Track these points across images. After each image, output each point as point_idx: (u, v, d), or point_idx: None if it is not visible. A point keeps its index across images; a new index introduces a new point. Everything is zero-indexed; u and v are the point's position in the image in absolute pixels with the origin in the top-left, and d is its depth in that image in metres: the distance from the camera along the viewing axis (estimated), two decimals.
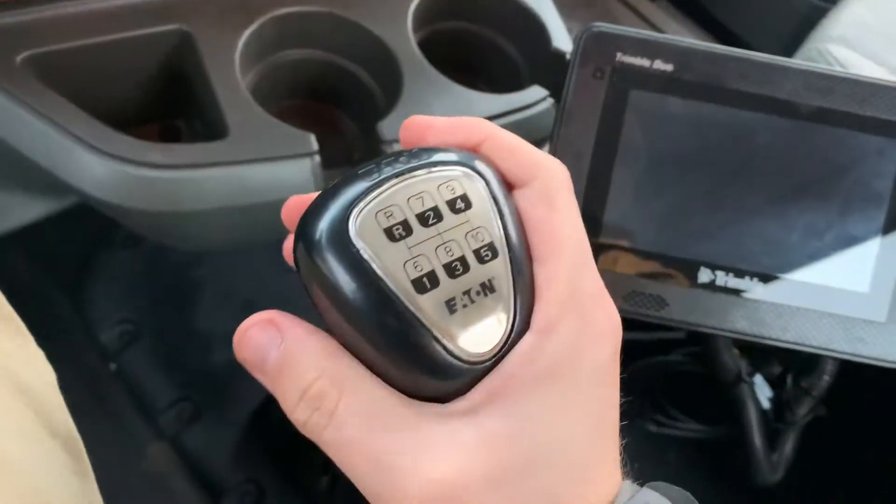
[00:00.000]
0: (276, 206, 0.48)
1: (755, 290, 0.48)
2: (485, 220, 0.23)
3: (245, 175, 0.47)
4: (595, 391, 0.25)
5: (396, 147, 0.49)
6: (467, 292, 0.23)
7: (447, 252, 0.23)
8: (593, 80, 0.46)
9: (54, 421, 0.31)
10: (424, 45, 0.58)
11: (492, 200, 0.24)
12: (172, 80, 0.52)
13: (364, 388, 0.23)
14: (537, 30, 0.58)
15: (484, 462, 0.22)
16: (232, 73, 0.49)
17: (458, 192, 0.23)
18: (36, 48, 0.46)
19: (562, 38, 0.58)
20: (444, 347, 0.23)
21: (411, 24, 0.55)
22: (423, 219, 0.23)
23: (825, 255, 0.48)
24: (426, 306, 0.22)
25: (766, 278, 0.48)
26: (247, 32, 0.51)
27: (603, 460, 0.25)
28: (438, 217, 0.23)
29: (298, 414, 0.24)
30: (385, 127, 0.50)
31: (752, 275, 0.48)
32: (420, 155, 0.24)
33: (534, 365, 0.23)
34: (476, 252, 0.23)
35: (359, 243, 0.22)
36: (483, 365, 0.23)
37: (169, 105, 0.54)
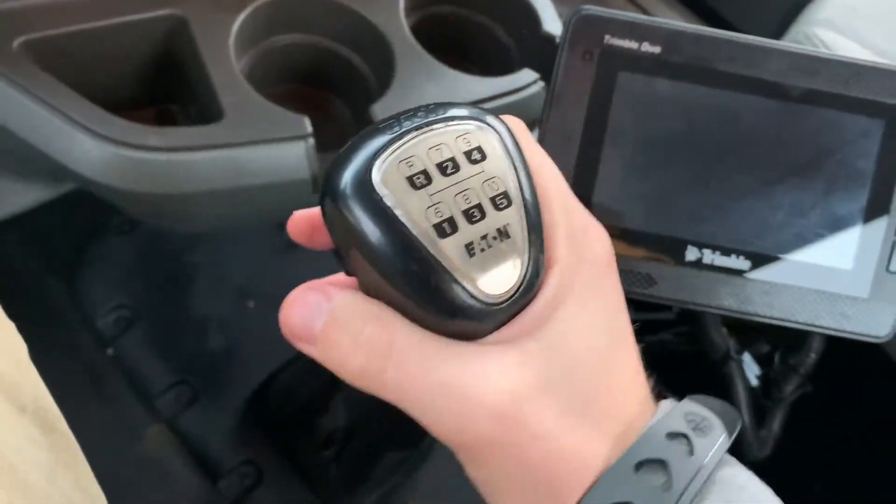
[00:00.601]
0: (271, 188, 0.49)
1: (741, 267, 0.49)
2: (499, 170, 0.25)
3: (240, 157, 0.47)
4: (604, 303, 0.28)
5: None
6: (485, 237, 0.25)
7: (465, 200, 0.24)
8: (582, 63, 0.47)
9: (22, 396, 0.31)
10: (416, 30, 0.59)
11: (505, 152, 0.26)
12: (167, 65, 0.53)
13: (411, 330, 0.26)
14: (528, 13, 0.59)
15: (532, 375, 0.25)
16: (226, 57, 0.49)
17: (474, 145, 0.25)
18: (32, 33, 0.47)
19: (552, 22, 0.58)
20: (465, 289, 0.24)
21: (403, 9, 0.56)
22: (442, 168, 0.24)
23: (810, 233, 0.49)
24: (447, 250, 0.24)
25: (752, 256, 0.49)
26: (241, 17, 0.52)
27: (627, 362, 0.29)
28: (456, 167, 0.24)
29: (354, 362, 0.26)
30: (378, 109, 0.51)
31: (739, 253, 0.49)
32: (437, 110, 0.25)
33: (551, 296, 0.26)
34: (492, 200, 0.25)
35: (382, 191, 0.24)
36: (501, 306, 0.25)
37: (164, 90, 0.55)
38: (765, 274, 0.49)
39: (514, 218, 0.25)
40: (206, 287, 0.83)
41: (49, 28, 0.47)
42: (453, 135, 0.25)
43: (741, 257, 0.49)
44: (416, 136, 0.24)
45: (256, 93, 0.49)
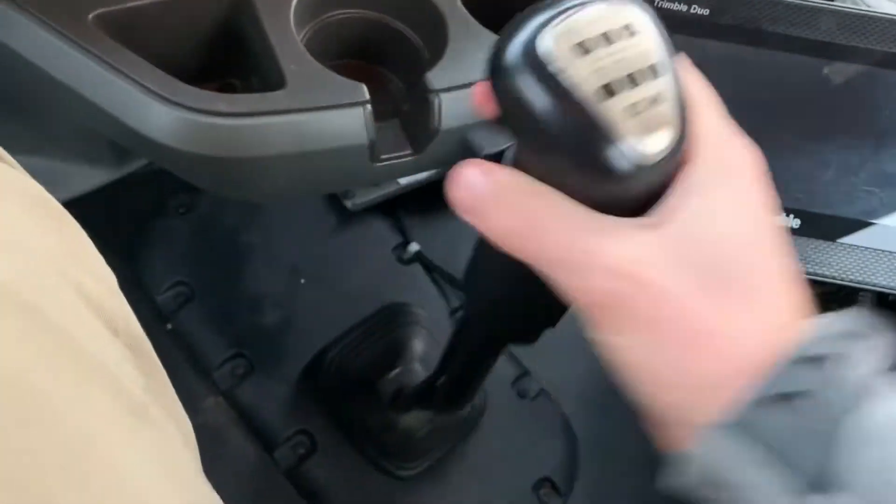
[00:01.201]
0: (330, 153, 0.51)
1: (794, 226, 0.50)
2: (654, 43, 0.29)
3: (302, 123, 0.49)
4: (750, 198, 0.30)
5: (444, 96, 0.51)
6: (641, 102, 0.28)
7: (624, 67, 0.28)
8: None
9: (115, 319, 0.33)
10: (467, 3, 0.60)
11: (657, 31, 0.29)
12: (229, 38, 0.55)
13: (563, 200, 0.29)
14: None
15: (662, 247, 0.28)
16: (287, 28, 0.51)
17: (631, 20, 0.28)
18: (106, 6, 0.49)
19: None
20: (622, 149, 0.28)
21: None
22: (602, 39, 0.27)
23: (860, 191, 0.50)
24: (609, 111, 0.27)
25: (803, 215, 0.50)
26: None
27: (779, 263, 0.30)
28: (615, 39, 0.28)
29: (504, 223, 0.30)
30: (433, 77, 0.52)
31: (790, 211, 0.50)
32: None
33: (692, 185, 0.29)
34: (651, 68, 0.28)
35: (548, 58, 0.27)
36: (653, 166, 0.28)
37: (226, 63, 0.57)
38: (817, 232, 0.49)
39: (668, 86, 0.28)
40: (259, 265, 0.86)
41: (119, 2, 0.50)
42: (610, 11, 0.28)
43: (791, 216, 0.49)
44: (577, 11, 0.28)
45: (316, 61, 0.51)
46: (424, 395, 0.63)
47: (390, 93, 0.61)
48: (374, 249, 0.89)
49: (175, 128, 0.47)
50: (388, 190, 0.88)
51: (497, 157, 0.32)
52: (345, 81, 0.51)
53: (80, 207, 0.83)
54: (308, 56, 0.51)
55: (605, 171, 0.28)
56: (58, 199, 0.79)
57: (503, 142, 0.33)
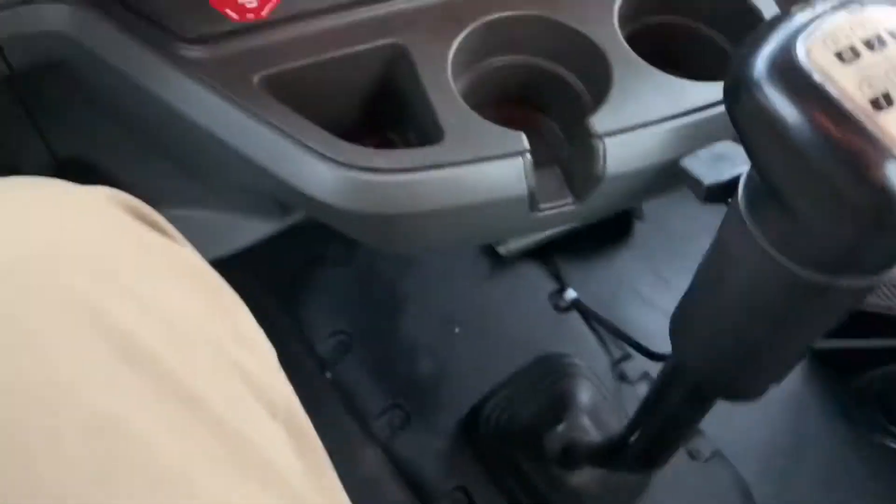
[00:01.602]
0: (489, 205, 0.49)
1: None
2: None
3: (460, 176, 0.48)
4: None
5: (609, 140, 0.48)
6: None
7: None
8: None
9: (273, 399, 0.31)
10: (632, 41, 0.57)
11: None
12: (387, 93, 0.55)
13: None
14: (750, 16, 0.55)
15: None
16: (445, 80, 0.50)
17: (893, 23, 0.24)
18: (269, 68, 0.50)
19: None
20: None
21: (617, 20, 0.55)
22: (868, 44, 0.24)
23: None
24: (885, 124, 0.23)
25: None
26: (456, 42, 0.53)
27: None
28: (883, 43, 0.24)
29: None
30: (596, 122, 0.49)
31: None
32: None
33: None
34: None
35: (809, 67, 0.24)
36: None
37: (383, 118, 0.57)
38: None
39: None
40: (415, 314, 0.85)
41: (284, 63, 0.51)
42: (875, 12, 0.24)
43: None
44: (832, 16, 0.24)
45: (474, 112, 0.49)
46: (608, 453, 0.59)
47: (550, 138, 0.58)
48: (530, 297, 0.87)
49: (337, 186, 0.47)
50: (542, 235, 0.86)
51: (723, 189, 0.29)
52: (503, 131, 0.49)
53: (242, 258, 0.87)
54: (465, 107, 0.50)
55: (879, 193, 0.24)
56: (223, 252, 0.82)
57: (727, 169, 0.29)
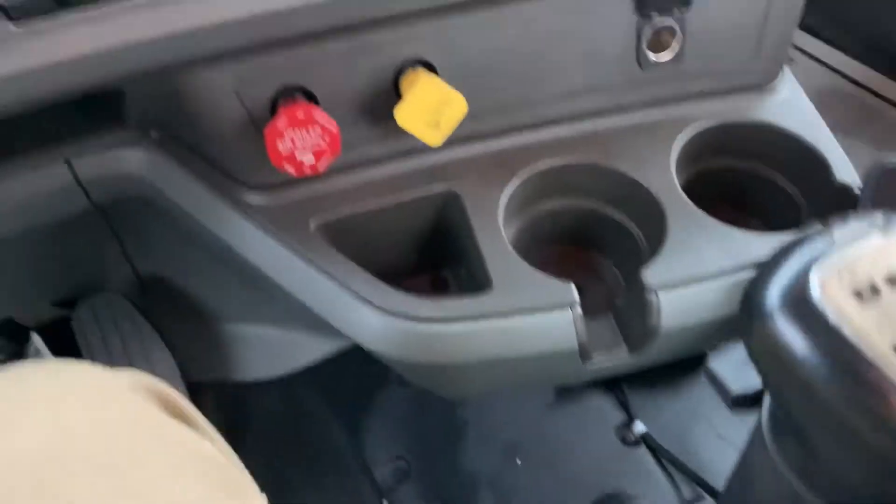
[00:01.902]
0: (538, 357, 0.48)
1: None
2: None
3: (508, 327, 0.47)
4: None
5: (663, 294, 0.47)
6: None
7: None
8: None
9: None
10: (690, 185, 0.56)
11: None
12: (441, 235, 0.55)
13: None
14: (815, 162, 0.54)
15: None
16: (495, 228, 0.50)
17: None
18: (326, 215, 0.52)
19: (845, 169, 0.53)
20: None
21: (675, 166, 0.54)
22: (891, 280, 0.22)
23: None
24: None
25: None
26: (509, 188, 0.53)
27: None
28: None
29: None
30: (650, 274, 0.48)
31: None
32: (873, 219, 0.23)
33: None
34: None
35: (824, 306, 0.22)
36: None
37: (437, 257, 0.57)
38: None
39: None
40: (476, 441, 0.83)
41: (341, 210, 0.52)
42: (892, 244, 0.23)
43: None
44: (852, 245, 0.22)
45: (524, 261, 0.49)
46: None
47: (605, 281, 0.57)
48: (595, 429, 0.83)
49: (385, 335, 0.48)
50: None
51: (751, 399, 0.26)
52: (552, 282, 0.48)
53: (307, 376, 0.87)
54: (515, 256, 0.49)
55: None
56: (290, 369, 0.83)
57: (755, 377, 0.27)
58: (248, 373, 0.88)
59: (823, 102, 1.20)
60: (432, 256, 0.57)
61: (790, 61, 1.18)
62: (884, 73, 1.12)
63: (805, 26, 1.16)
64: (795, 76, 1.15)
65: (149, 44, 0.42)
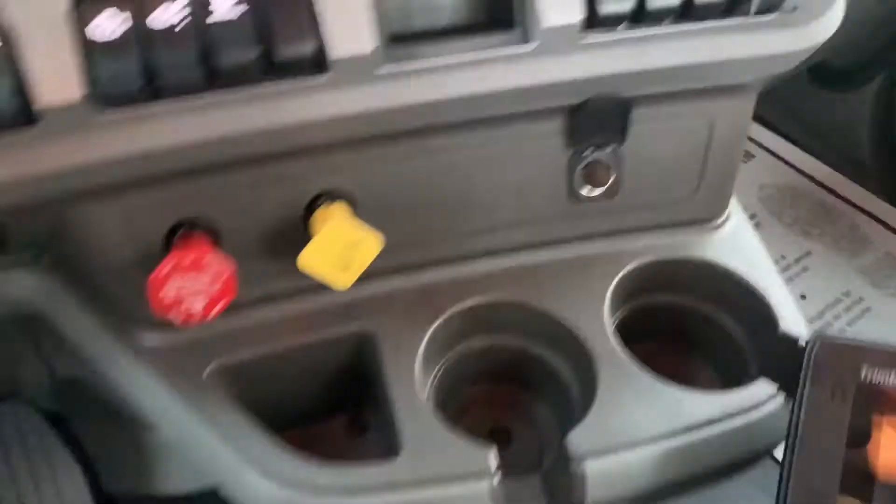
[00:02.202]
0: None
1: None
2: None
3: (416, 499, 0.42)
4: None
5: (592, 463, 0.42)
6: None
7: None
8: (831, 404, 0.37)
9: None
10: (628, 321, 0.52)
11: None
12: (356, 376, 0.51)
13: None
14: (760, 306, 0.50)
15: None
16: (410, 381, 0.46)
17: None
18: (228, 358, 0.47)
19: (791, 317, 0.49)
20: None
21: (610, 305, 0.50)
22: None
23: None
24: None
25: None
26: (432, 328, 0.49)
27: None
28: None
29: None
30: (574, 439, 0.43)
31: None
32: None
33: None
34: None
35: None
36: None
37: (354, 397, 0.52)
38: None
39: None
40: None
41: (241, 352, 0.47)
42: None
43: None
44: None
45: (439, 420, 0.44)
46: None
47: (537, 425, 0.53)
48: None
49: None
50: None
51: None
52: (470, 448, 0.43)
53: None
54: (431, 415, 0.45)
55: None
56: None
57: None
58: (171, 484, 0.81)
59: (782, 199, 1.17)
60: (348, 398, 0.52)
61: (748, 159, 1.16)
62: (841, 172, 1.11)
63: (762, 120, 1.15)
64: (754, 172, 1.13)
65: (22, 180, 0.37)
